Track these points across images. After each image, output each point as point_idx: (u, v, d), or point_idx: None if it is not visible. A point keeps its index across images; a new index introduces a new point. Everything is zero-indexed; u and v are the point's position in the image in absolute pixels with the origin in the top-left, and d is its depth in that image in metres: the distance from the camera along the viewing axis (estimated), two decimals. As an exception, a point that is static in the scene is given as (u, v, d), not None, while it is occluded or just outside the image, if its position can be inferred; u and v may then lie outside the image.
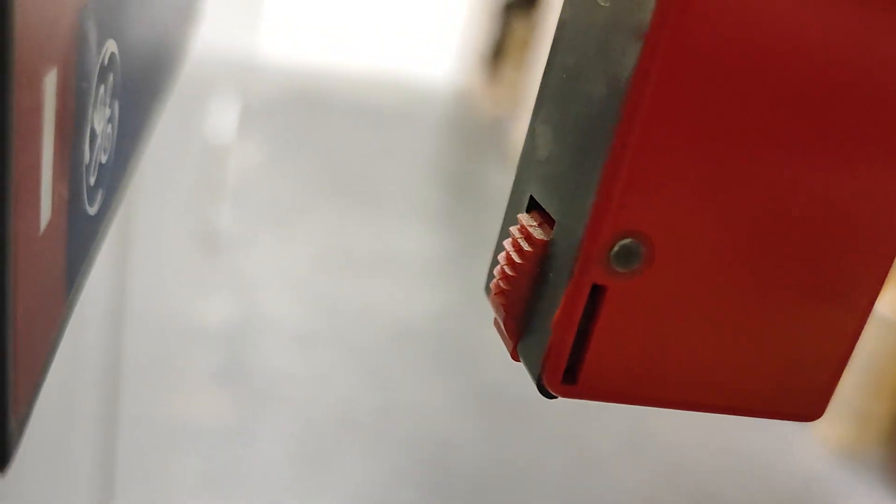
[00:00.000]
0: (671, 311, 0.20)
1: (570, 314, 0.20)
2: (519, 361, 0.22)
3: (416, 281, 1.80)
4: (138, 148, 0.28)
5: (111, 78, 0.23)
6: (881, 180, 0.20)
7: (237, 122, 1.86)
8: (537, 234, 0.21)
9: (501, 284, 0.22)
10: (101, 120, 0.22)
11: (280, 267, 1.77)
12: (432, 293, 1.76)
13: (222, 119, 1.57)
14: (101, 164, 0.22)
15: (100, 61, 0.21)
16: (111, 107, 0.23)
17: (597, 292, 0.20)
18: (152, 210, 0.82)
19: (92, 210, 0.22)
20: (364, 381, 1.49)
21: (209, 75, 1.34)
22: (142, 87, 0.28)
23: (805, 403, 0.22)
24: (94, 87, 0.21)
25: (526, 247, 0.21)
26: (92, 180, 0.22)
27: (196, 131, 1.21)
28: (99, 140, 0.22)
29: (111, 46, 0.22)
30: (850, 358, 0.21)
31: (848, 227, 0.20)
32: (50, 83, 0.16)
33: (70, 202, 0.19)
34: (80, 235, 0.21)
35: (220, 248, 1.65)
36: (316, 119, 2.52)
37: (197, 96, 1.19)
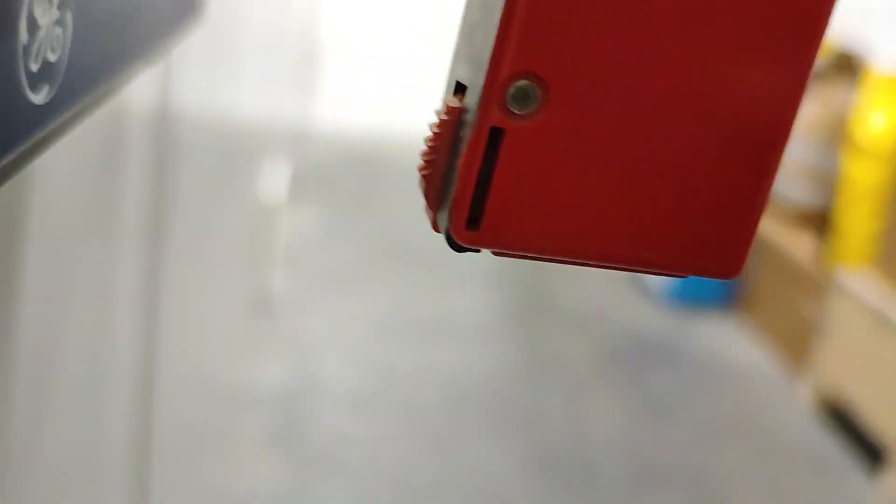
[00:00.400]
0: (570, 158, 0.20)
1: (472, 159, 0.20)
2: (439, 232, 0.22)
3: (473, 344, 1.80)
4: (103, 76, 0.29)
5: (58, -18, 0.24)
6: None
7: (293, 185, 1.89)
8: (453, 104, 0.22)
9: (423, 160, 0.22)
10: (44, 15, 0.23)
11: (336, 330, 1.79)
12: (489, 356, 1.76)
13: (277, 182, 1.60)
14: (47, 60, 0.24)
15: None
16: (60, 11, 0.24)
17: (498, 140, 0.20)
18: (207, 274, 0.83)
19: (36, 98, 0.23)
20: (422, 445, 1.47)
21: (265, 139, 1.38)
22: (107, 22, 0.29)
23: (720, 259, 0.21)
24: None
25: (443, 117, 0.22)
26: (34, 67, 0.23)
27: (251, 194, 1.24)
28: (42, 32, 0.23)
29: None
30: (763, 211, 0.21)
31: (752, 54, 0.20)
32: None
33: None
34: (15, 113, 0.22)
35: (274, 311, 1.67)
36: (372, 183, 2.56)
37: (253, 159, 1.22)
